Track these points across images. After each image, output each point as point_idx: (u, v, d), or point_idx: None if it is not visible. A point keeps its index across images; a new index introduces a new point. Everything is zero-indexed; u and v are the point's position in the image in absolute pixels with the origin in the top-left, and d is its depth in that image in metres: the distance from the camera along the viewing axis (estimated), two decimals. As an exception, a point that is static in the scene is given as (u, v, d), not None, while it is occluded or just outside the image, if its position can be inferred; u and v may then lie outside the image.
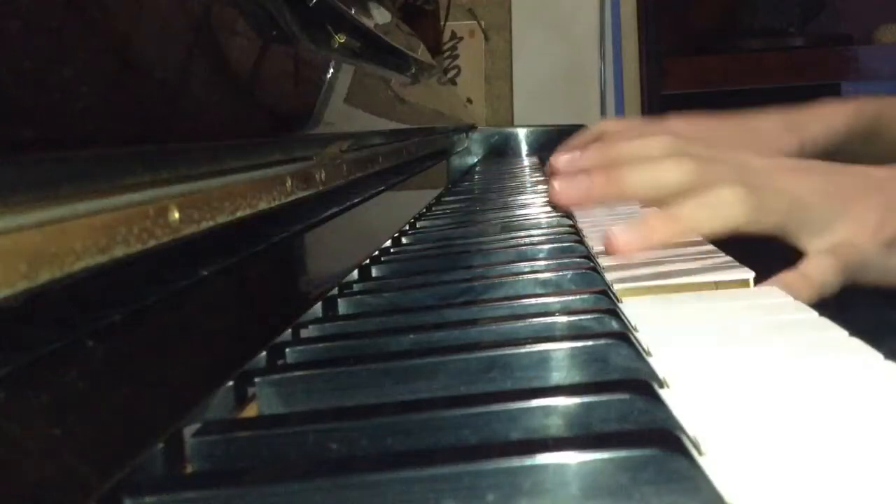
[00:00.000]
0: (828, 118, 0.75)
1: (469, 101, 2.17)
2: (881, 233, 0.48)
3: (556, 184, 0.50)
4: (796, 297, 0.42)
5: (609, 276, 0.45)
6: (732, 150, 0.53)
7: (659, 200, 0.48)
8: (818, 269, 0.47)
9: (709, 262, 0.48)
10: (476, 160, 1.56)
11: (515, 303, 0.38)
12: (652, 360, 0.30)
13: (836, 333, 0.33)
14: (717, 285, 0.44)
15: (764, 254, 0.47)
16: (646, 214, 0.46)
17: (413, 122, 0.90)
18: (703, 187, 0.46)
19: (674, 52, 2.18)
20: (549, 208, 0.70)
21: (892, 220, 0.49)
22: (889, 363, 0.29)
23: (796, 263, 0.48)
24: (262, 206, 0.36)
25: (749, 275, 0.45)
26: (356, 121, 0.62)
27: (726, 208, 0.45)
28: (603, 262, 0.49)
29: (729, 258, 0.49)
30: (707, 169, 0.48)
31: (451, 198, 0.91)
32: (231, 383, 0.30)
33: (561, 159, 0.54)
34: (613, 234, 0.45)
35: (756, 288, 0.43)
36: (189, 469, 0.25)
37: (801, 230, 0.47)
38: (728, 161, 0.50)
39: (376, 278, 0.50)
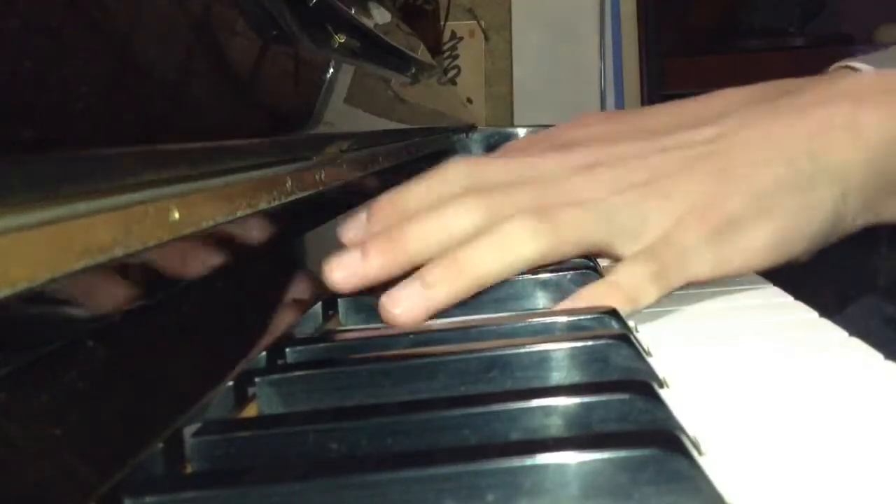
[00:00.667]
0: (729, 104, 0.61)
1: (469, 101, 2.17)
2: (709, 218, 0.38)
3: (328, 267, 0.39)
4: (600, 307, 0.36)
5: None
6: (536, 160, 0.44)
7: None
8: (630, 277, 0.37)
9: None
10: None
11: (515, 303, 0.38)
12: (652, 360, 0.30)
13: (836, 333, 0.33)
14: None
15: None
16: (421, 271, 0.37)
17: (413, 122, 0.90)
18: (491, 226, 0.38)
19: (674, 52, 2.18)
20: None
21: (724, 197, 0.39)
22: (889, 363, 0.29)
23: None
24: (262, 206, 0.36)
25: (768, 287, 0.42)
26: (356, 121, 0.62)
27: (516, 246, 0.38)
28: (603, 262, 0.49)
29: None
30: (497, 202, 0.40)
31: (451, 198, 0.91)
32: (231, 383, 0.30)
33: (344, 234, 0.43)
34: (388, 300, 0.36)
35: (757, 286, 0.43)
36: (189, 469, 0.25)
37: (612, 241, 0.39)
38: (525, 182, 0.41)
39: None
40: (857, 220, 0.41)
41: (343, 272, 0.39)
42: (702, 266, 0.38)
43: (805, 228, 0.39)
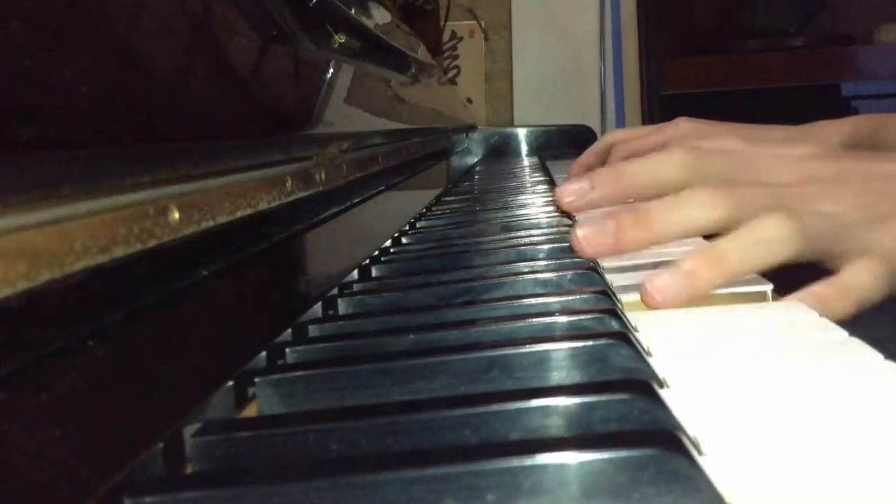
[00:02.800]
0: (826, 138, 0.73)
1: (469, 101, 2.17)
2: None
3: (581, 232, 0.44)
4: (830, 311, 0.38)
5: (611, 278, 0.45)
6: (751, 157, 0.49)
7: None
8: (858, 275, 0.41)
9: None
10: (476, 160, 1.56)
11: (515, 303, 0.39)
12: (652, 361, 0.30)
13: (836, 333, 0.33)
14: (735, 298, 0.42)
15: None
16: (682, 261, 0.40)
17: (413, 122, 0.90)
18: (744, 220, 0.42)
19: (674, 53, 2.18)
20: (549, 208, 0.70)
21: None
22: (889, 363, 0.29)
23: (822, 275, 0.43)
24: (262, 206, 0.36)
25: (766, 287, 0.42)
26: (356, 121, 0.62)
27: (773, 244, 0.41)
28: (603, 262, 0.49)
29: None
30: (740, 195, 0.44)
31: (452, 198, 0.91)
32: (231, 383, 0.30)
33: (568, 189, 0.51)
34: (655, 289, 0.39)
35: (757, 286, 0.43)
36: (189, 469, 0.25)
37: (845, 253, 0.43)
38: (757, 177, 0.46)
39: (376, 278, 0.50)
40: None
41: (591, 242, 0.44)
42: None
43: None
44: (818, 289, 0.41)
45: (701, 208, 0.43)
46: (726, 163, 0.48)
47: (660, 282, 0.39)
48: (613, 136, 0.82)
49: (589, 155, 0.81)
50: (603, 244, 0.44)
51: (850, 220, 0.43)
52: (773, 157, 0.48)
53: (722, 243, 0.41)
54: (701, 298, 0.40)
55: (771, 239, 0.41)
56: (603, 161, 0.80)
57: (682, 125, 0.75)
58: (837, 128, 0.71)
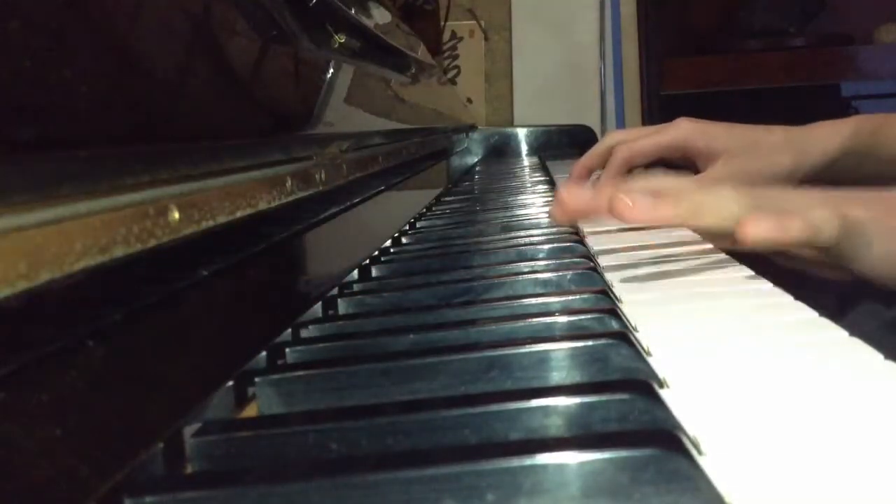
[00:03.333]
0: (826, 139, 0.74)
1: (469, 101, 2.17)
2: (889, 219, 0.48)
3: (620, 202, 0.46)
4: (786, 231, 0.43)
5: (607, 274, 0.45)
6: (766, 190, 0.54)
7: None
8: (818, 215, 0.46)
9: (705, 259, 0.48)
10: (476, 160, 1.56)
11: (515, 303, 0.39)
12: (652, 360, 0.30)
13: (836, 333, 0.33)
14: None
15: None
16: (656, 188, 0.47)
17: (413, 122, 0.90)
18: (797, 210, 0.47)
19: (674, 53, 2.18)
20: (549, 208, 0.70)
21: None
22: (889, 363, 0.29)
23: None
24: (262, 206, 0.36)
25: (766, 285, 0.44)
26: (356, 121, 0.62)
27: (724, 201, 0.46)
28: (603, 262, 0.49)
29: (725, 255, 0.49)
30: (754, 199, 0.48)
31: (451, 198, 0.91)
32: (231, 383, 0.30)
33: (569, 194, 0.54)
34: (626, 199, 0.46)
35: (757, 285, 0.43)
36: (189, 469, 0.25)
37: (855, 249, 0.47)
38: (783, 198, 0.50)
39: (376, 278, 0.50)
40: None
41: (633, 208, 0.46)
42: (875, 252, 0.47)
43: None
44: (782, 215, 0.45)
45: (728, 201, 0.47)
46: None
47: (630, 197, 0.44)
48: (613, 137, 0.82)
49: (589, 158, 0.82)
50: (645, 210, 0.47)
51: (860, 217, 0.47)
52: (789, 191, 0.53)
53: (685, 192, 0.46)
54: (653, 223, 0.47)
55: (720, 197, 0.46)
56: (604, 163, 0.80)
57: (683, 125, 0.76)
58: (838, 128, 0.72)
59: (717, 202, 0.46)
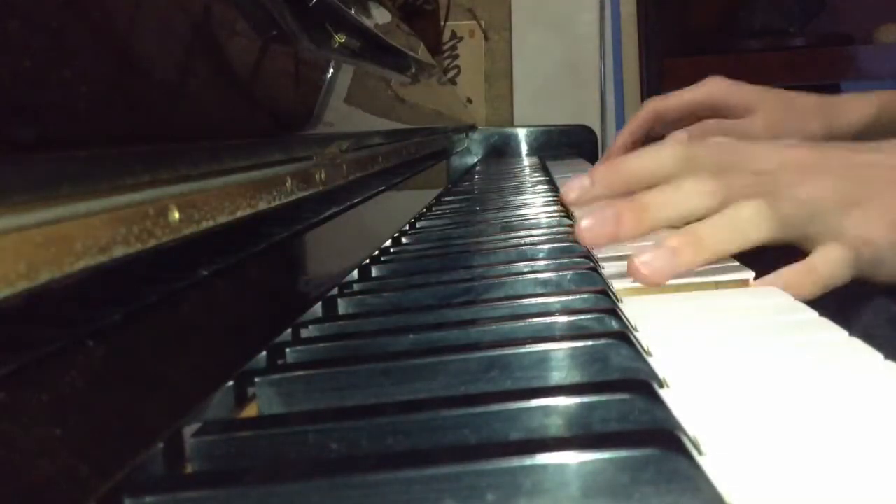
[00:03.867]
0: (852, 111, 0.74)
1: (469, 101, 2.17)
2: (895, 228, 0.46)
3: (584, 223, 0.48)
4: (798, 292, 0.42)
5: (608, 272, 0.45)
6: (748, 141, 0.53)
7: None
8: (826, 261, 0.45)
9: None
10: (476, 160, 1.56)
11: (515, 303, 0.39)
12: (652, 360, 0.30)
13: (836, 333, 0.33)
14: (717, 285, 0.44)
15: (765, 254, 0.47)
16: (667, 239, 0.45)
17: (413, 122, 0.90)
18: (725, 206, 0.46)
19: (674, 53, 2.18)
20: (549, 208, 0.70)
21: None
22: (889, 363, 0.29)
23: (800, 258, 0.47)
24: (262, 206, 0.36)
25: (749, 275, 0.44)
26: (356, 121, 0.62)
27: (750, 226, 0.45)
28: (602, 260, 0.49)
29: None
30: (726, 183, 0.47)
31: (451, 198, 0.91)
32: (231, 383, 0.30)
33: (571, 186, 0.55)
34: (641, 263, 0.44)
35: (756, 288, 0.43)
36: (189, 469, 0.25)
37: (819, 236, 0.46)
38: (745, 167, 0.49)
39: (376, 278, 0.50)
40: None
41: (593, 232, 0.48)
42: (886, 267, 0.45)
43: None
44: (788, 272, 0.45)
45: (694, 196, 0.47)
46: (715, 153, 0.51)
47: (646, 257, 0.44)
48: (655, 105, 0.83)
49: (629, 130, 0.83)
50: (603, 234, 0.48)
51: (825, 205, 0.46)
52: (760, 147, 0.51)
53: (701, 226, 0.45)
54: (681, 275, 0.44)
55: (748, 222, 0.45)
56: (644, 133, 0.82)
57: (717, 82, 0.77)
58: (864, 102, 0.74)
59: (738, 229, 0.45)
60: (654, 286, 0.44)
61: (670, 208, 0.48)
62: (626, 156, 0.53)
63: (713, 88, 0.78)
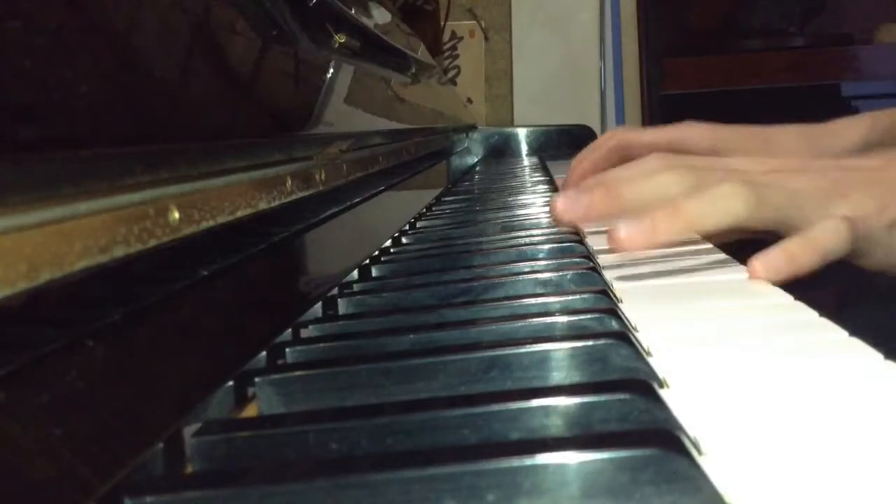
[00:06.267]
0: (843, 134, 0.73)
1: (469, 101, 2.17)
2: (884, 214, 0.47)
3: (558, 202, 0.49)
4: (800, 262, 0.43)
5: (606, 273, 0.45)
6: (732, 158, 0.54)
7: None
8: (825, 230, 0.45)
9: (705, 259, 0.48)
10: (476, 160, 1.56)
11: (515, 303, 0.39)
12: (652, 360, 0.30)
13: (836, 333, 0.33)
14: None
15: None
16: (649, 210, 0.46)
17: (413, 122, 0.90)
18: (704, 187, 0.47)
19: (674, 53, 2.18)
20: (549, 208, 0.70)
21: (893, 203, 0.48)
22: (889, 363, 0.29)
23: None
24: (262, 206, 0.36)
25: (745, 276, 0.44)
26: (356, 121, 0.62)
27: (728, 201, 0.45)
28: (603, 261, 0.49)
29: (726, 256, 0.49)
30: (706, 173, 0.48)
31: (451, 198, 0.91)
32: (231, 383, 0.30)
33: (555, 207, 0.54)
34: (618, 229, 0.45)
35: (757, 288, 0.43)
36: (189, 469, 0.25)
37: (805, 222, 0.46)
38: (725, 167, 0.50)
39: (376, 278, 0.50)
40: None
41: (565, 206, 0.48)
42: (880, 249, 0.47)
43: None
44: (788, 243, 0.44)
45: (671, 179, 0.48)
46: (699, 159, 0.53)
47: (624, 225, 0.44)
48: (614, 132, 0.82)
49: (590, 161, 0.81)
50: (576, 212, 0.49)
51: (811, 194, 0.47)
52: (744, 159, 0.53)
53: (680, 198, 0.46)
54: (659, 244, 0.45)
55: (726, 198, 0.45)
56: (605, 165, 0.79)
57: (689, 125, 0.75)
58: (855, 125, 0.72)
59: (716, 204, 0.46)
60: (630, 251, 0.45)
61: (642, 188, 0.49)
62: (629, 181, 0.52)
63: (689, 130, 0.76)
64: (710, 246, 0.52)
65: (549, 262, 0.47)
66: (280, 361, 0.34)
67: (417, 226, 0.70)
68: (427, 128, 0.99)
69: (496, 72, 2.25)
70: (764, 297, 0.41)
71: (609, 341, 0.30)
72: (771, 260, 0.43)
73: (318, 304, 0.41)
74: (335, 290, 0.44)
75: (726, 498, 0.20)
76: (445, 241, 0.60)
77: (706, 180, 0.47)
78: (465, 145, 1.54)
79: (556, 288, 0.42)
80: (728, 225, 0.46)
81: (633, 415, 0.24)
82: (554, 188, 0.90)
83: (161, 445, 0.24)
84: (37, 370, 0.21)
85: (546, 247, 0.51)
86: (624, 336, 0.30)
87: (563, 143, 1.59)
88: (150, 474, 0.23)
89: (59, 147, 0.22)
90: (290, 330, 0.37)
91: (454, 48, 2.22)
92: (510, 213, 0.72)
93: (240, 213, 0.33)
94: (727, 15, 2.25)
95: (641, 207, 0.48)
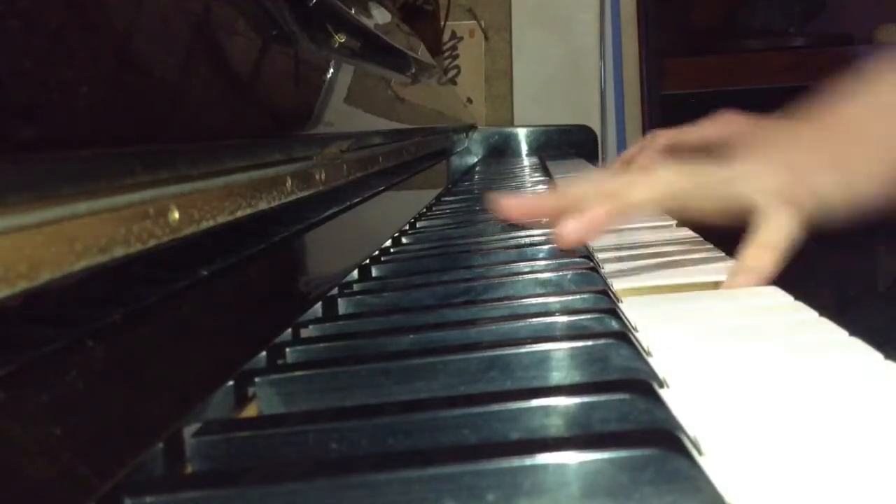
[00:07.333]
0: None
1: (469, 101, 2.17)
2: (823, 159, 0.48)
3: (499, 203, 0.49)
4: (763, 270, 0.43)
5: (607, 270, 0.45)
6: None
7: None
8: (777, 228, 0.45)
9: (705, 258, 0.48)
10: (476, 160, 1.56)
11: (515, 303, 0.39)
12: (652, 360, 0.30)
13: (836, 334, 0.33)
14: (717, 285, 0.44)
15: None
16: (587, 204, 0.46)
17: (413, 122, 0.90)
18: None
19: (674, 52, 2.18)
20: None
21: (846, 156, 0.49)
22: (889, 363, 0.29)
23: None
24: (262, 206, 0.36)
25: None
26: (356, 121, 0.62)
27: (665, 177, 0.46)
28: (603, 261, 0.49)
29: (725, 255, 0.49)
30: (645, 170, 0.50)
31: (451, 198, 0.91)
32: (231, 383, 0.30)
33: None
34: (561, 229, 0.45)
35: (756, 288, 0.43)
36: (189, 469, 0.25)
37: (756, 196, 0.46)
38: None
39: (376, 278, 0.50)
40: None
41: (513, 203, 0.49)
42: (827, 186, 0.47)
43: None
44: (747, 256, 0.45)
45: (663, 178, 0.48)
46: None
47: (567, 225, 0.45)
48: (664, 138, 0.81)
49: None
50: (580, 229, 0.47)
51: (752, 167, 0.48)
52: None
53: (612, 182, 0.47)
54: (601, 230, 0.46)
55: (663, 175, 0.46)
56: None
57: (731, 118, 0.77)
58: None
59: (652, 180, 0.46)
60: (571, 245, 0.46)
61: (586, 188, 0.49)
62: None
63: (729, 124, 0.76)
64: (710, 246, 0.52)
65: (549, 262, 0.47)
66: (280, 361, 0.34)
67: (417, 226, 0.70)
68: (427, 128, 0.99)
69: (496, 72, 2.25)
70: (764, 297, 0.41)
71: (609, 341, 0.30)
72: (739, 282, 0.43)
73: (318, 304, 0.41)
74: (335, 290, 0.44)
75: (726, 498, 0.20)
76: (445, 241, 0.60)
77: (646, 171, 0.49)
78: (465, 145, 1.54)
79: (556, 288, 0.42)
80: (670, 200, 0.46)
81: (633, 415, 0.24)
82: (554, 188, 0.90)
83: (161, 445, 0.24)
84: (37, 370, 0.21)
85: (546, 247, 0.51)
86: (624, 336, 0.30)
87: (563, 143, 1.59)
88: (150, 474, 0.23)
89: (59, 147, 0.22)
90: (290, 330, 0.37)
91: (454, 48, 2.22)
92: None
93: (240, 213, 0.33)
94: (727, 15, 2.25)
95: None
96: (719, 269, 0.46)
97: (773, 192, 0.46)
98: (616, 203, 0.45)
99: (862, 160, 0.50)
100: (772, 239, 0.45)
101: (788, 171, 0.47)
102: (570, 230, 0.45)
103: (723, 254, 0.50)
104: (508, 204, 0.49)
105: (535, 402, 0.25)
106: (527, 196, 0.50)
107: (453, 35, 2.21)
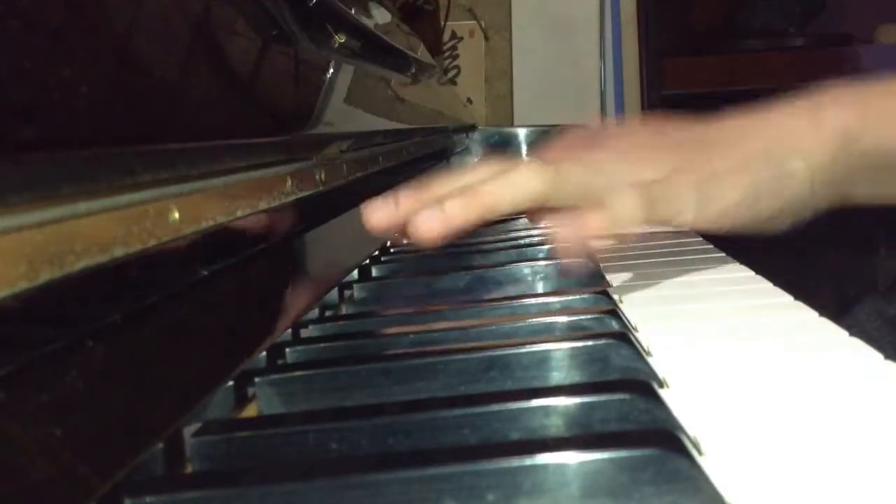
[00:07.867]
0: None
1: (469, 101, 2.17)
2: (694, 171, 0.45)
3: (365, 213, 0.45)
4: (589, 226, 0.41)
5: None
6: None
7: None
8: (619, 198, 0.43)
9: (704, 258, 0.48)
10: (476, 160, 1.56)
11: (515, 303, 0.39)
12: (652, 360, 0.30)
13: (836, 334, 0.33)
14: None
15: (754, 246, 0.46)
16: (446, 197, 0.43)
17: (413, 122, 0.90)
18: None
19: (674, 52, 2.18)
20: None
21: (707, 160, 0.46)
22: (889, 363, 0.29)
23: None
24: (262, 206, 0.36)
25: (747, 273, 0.44)
26: (356, 121, 0.62)
27: (523, 182, 0.44)
28: (603, 261, 0.49)
29: (725, 255, 0.49)
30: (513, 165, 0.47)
31: (451, 198, 0.91)
32: (231, 383, 0.30)
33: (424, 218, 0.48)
34: (416, 223, 0.42)
35: (757, 288, 0.43)
36: (189, 469, 0.25)
37: (606, 190, 0.44)
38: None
39: (376, 278, 0.50)
40: (826, 196, 0.47)
41: (378, 216, 0.45)
42: (686, 206, 0.44)
43: (777, 192, 0.45)
44: (586, 216, 0.43)
45: (525, 178, 0.45)
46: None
47: (422, 215, 0.42)
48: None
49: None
50: (436, 226, 0.43)
51: (611, 164, 0.46)
52: None
53: (476, 185, 0.44)
54: (458, 229, 0.42)
55: (520, 176, 0.44)
56: None
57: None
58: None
59: (509, 181, 0.44)
60: (426, 242, 0.41)
61: (451, 184, 0.45)
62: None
63: (637, 130, 0.73)
64: (710, 246, 0.52)
65: (549, 262, 0.47)
66: (280, 361, 0.34)
67: (417, 226, 0.70)
68: (427, 128, 0.99)
69: (496, 72, 2.25)
70: (764, 296, 0.41)
71: (609, 341, 0.30)
72: (569, 235, 0.42)
73: (318, 305, 0.41)
74: (335, 290, 0.44)
75: (726, 498, 0.20)
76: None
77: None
78: (466, 145, 1.54)
79: (557, 288, 0.42)
80: (526, 202, 0.44)
81: (633, 415, 0.24)
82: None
83: (161, 445, 0.24)
84: (37, 370, 0.21)
85: (546, 247, 0.51)
86: (624, 336, 0.30)
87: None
88: (150, 474, 0.23)
89: (59, 147, 0.22)
90: (289, 330, 0.37)
91: (454, 48, 2.22)
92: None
93: (240, 213, 0.33)
94: (727, 15, 2.24)
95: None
96: (718, 265, 0.46)
97: (627, 189, 0.44)
98: (478, 208, 0.43)
99: (725, 177, 0.46)
100: (616, 203, 0.43)
101: (655, 173, 0.45)
102: (430, 227, 0.41)
103: (722, 253, 0.50)
104: (368, 216, 0.45)
105: (535, 402, 0.25)
106: (388, 198, 0.45)
107: (453, 35, 2.21)
